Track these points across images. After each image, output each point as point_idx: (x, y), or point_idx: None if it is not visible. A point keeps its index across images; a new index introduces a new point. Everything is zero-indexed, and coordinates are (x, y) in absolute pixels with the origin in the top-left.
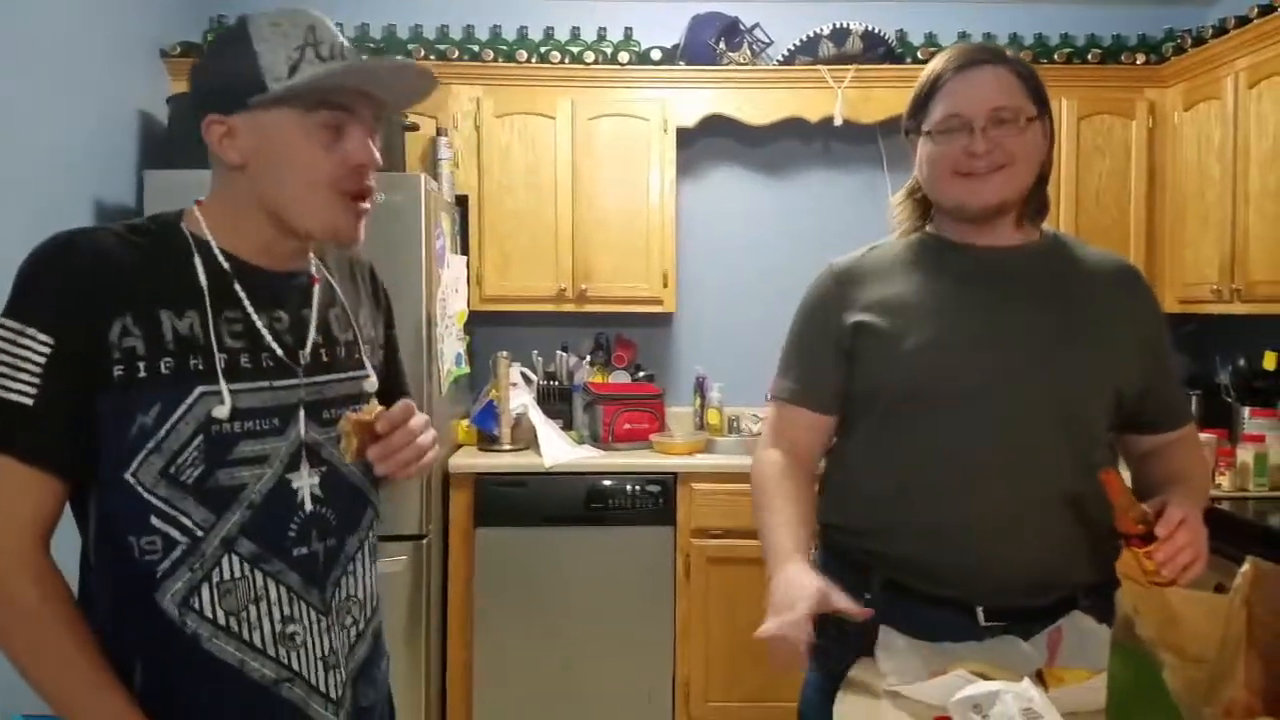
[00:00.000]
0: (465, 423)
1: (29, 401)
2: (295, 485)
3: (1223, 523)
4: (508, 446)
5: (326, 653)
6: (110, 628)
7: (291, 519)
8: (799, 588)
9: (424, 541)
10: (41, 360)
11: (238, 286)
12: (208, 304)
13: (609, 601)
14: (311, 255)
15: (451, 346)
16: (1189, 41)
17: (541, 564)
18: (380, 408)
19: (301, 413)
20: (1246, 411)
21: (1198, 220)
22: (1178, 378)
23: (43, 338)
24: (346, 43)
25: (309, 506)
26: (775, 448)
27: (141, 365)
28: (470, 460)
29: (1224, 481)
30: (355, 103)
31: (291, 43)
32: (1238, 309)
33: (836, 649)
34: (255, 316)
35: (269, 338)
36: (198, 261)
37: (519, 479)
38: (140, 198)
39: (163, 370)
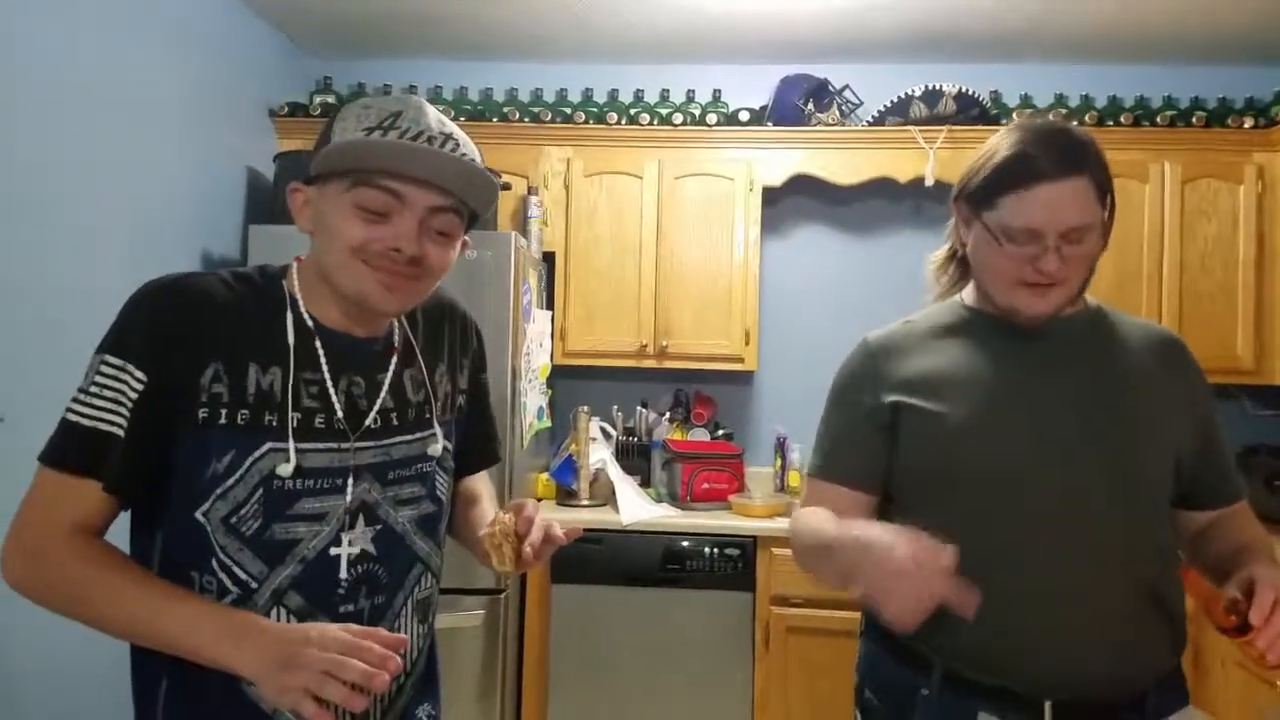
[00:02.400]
0: (544, 476)
1: (120, 433)
2: (344, 542)
3: None
4: (586, 502)
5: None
6: (185, 685)
7: (340, 575)
8: (927, 544)
9: (502, 596)
10: (135, 395)
11: (320, 350)
12: (292, 362)
13: (685, 667)
14: (395, 323)
15: (534, 400)
16: None
17: (617, 624)
18: (511, 516)
19: (367, 474)
20: None
21: None
22: (1229, 452)
23: (139, 374)
24: (433, 128)
25: (357, 566)
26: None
27: (223, 412)
28: (548, 515)
29: None
30: (404, 189)
31: (363, 123)
32: None
33: None
34: (329, 382)
35: (338, 405)
36: (289, 318)
37: (596, 536)
38: (245, 250)
39: (239, 421)
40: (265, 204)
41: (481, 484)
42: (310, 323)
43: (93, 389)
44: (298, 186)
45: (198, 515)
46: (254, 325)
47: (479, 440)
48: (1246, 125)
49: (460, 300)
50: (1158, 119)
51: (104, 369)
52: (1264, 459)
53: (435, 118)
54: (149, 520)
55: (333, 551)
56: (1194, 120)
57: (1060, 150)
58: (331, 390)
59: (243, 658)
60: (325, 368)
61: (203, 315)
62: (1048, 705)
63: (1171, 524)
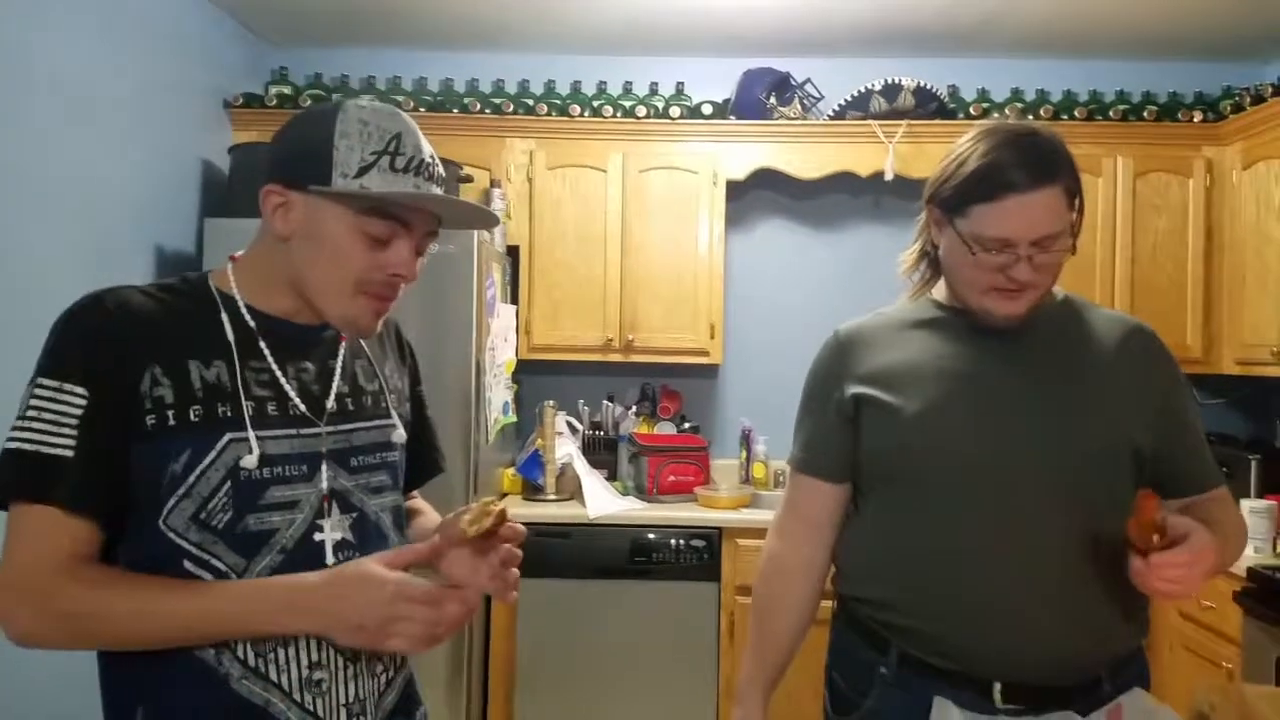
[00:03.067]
0: (510, 471)
1: (70, 454)
2: (326, 529)
3: None
4: (552, 496)
5: (351, 700)
6: (141, 667)
7: (327, 563)
8: None
9: None
10: (79, 413)
11: (262, 342)
12: (235, 354)
13: (652, 657)
14: None
15: (499, 395)
16: (1248, 99)
17: (584, 616)
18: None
19: (330, 460)
20: None
21: (1257, 281)
22: (1202, 440)
23: (79, 390)
24: (429, 156)
25: (340, 554)
26: (785, 532)
27: (171, 414)
28: (514, 510)
29: None
30: (411, 217)
31: (370, 146)
32: None
33: None
34: (278, 370)
35: (290, 391)
36: (224, 317)
37: (563, 529)
38: (200, 244)
39: (192, 418)
40: (220, 197)
41: (420, 500)
42: (251, 319)
43: (29, 413)
44: (278, 190)
45: (160, 525)
46: (187, 326)
47: (423, 451)
48: (1196, 120)
49: (423, 293)
50: (1111, 113)
51: (39, 392)
52: (1215, 447)
53: (422, 137)
54: (111, 541)
55: (316, 538)
56: (1146, 115)
57: (1031, 160)
58: (281, 376)
59: (317, 623)
60: (269, 355)
61: (133, 323)
62: (997, 687)
63: None
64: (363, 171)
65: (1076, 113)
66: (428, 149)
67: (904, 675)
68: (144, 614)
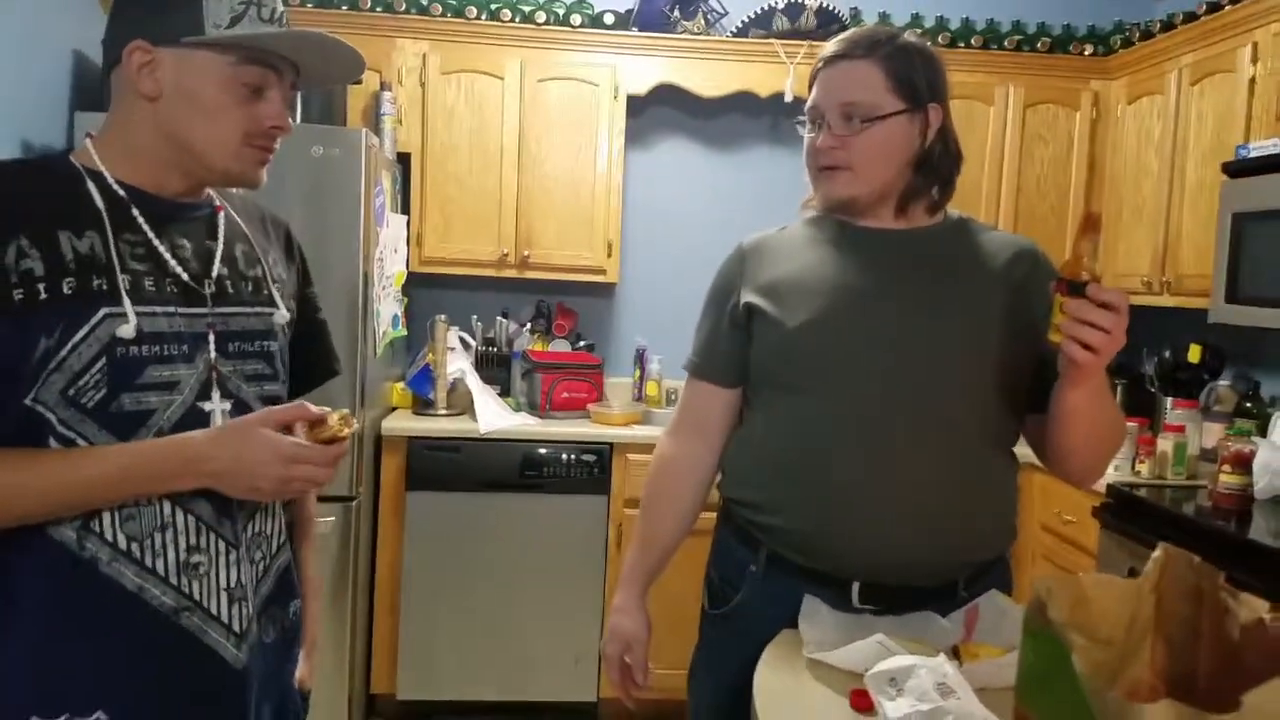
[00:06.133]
0: (400, 386)
1: None
2: (208, 411)
3: (1139, 510)
4: (443, 411)
5: (234, 584)
6: (1, 552)
7: None
8: (616, 637)
9: (354, 504)
10: None
11: (135, 211)
12: (107, 224)
13: (539, 568)
14: (212, 193)
15: (389, 307)
16: (1137, 35)
17: (473, 529)
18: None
19: (211, 340)
20: (1169, 402)
21: (1133, 212)
22: None
23: None
24: (283, 8)
25: None
26: (677, 433)
27: (42, 287)
28: (403, 424)
29: (1143, 470)
30: (281, 65)
31: None
32: (1166, 301)
33: (725, 623)
34: (156, 241)
35: (172, 262)
36: (91, 188)
37: (453, 444)
38: (71, 139)
39: (65, 290)
40: (93, 90)
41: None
42: (120, 190)
43: None
44: (144, 46)
45: (27, 401)
46: (52, 197)
47: (315, 355)
48: (1087, 53)
49: (307, 198)
50: (1005, 43)
51: None
52: None
53: None
54: None
55: (207, 410)
56: (1039, 46)
57: (849, 39)
58: (160, 246)
59: (209, 482)
60: (147, 228)
61: None
62: (855, 586)
63: (1029, 432)
64: (234, 22)
65: (972, 40)
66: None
67: (771, 573)
68: (12, 485)
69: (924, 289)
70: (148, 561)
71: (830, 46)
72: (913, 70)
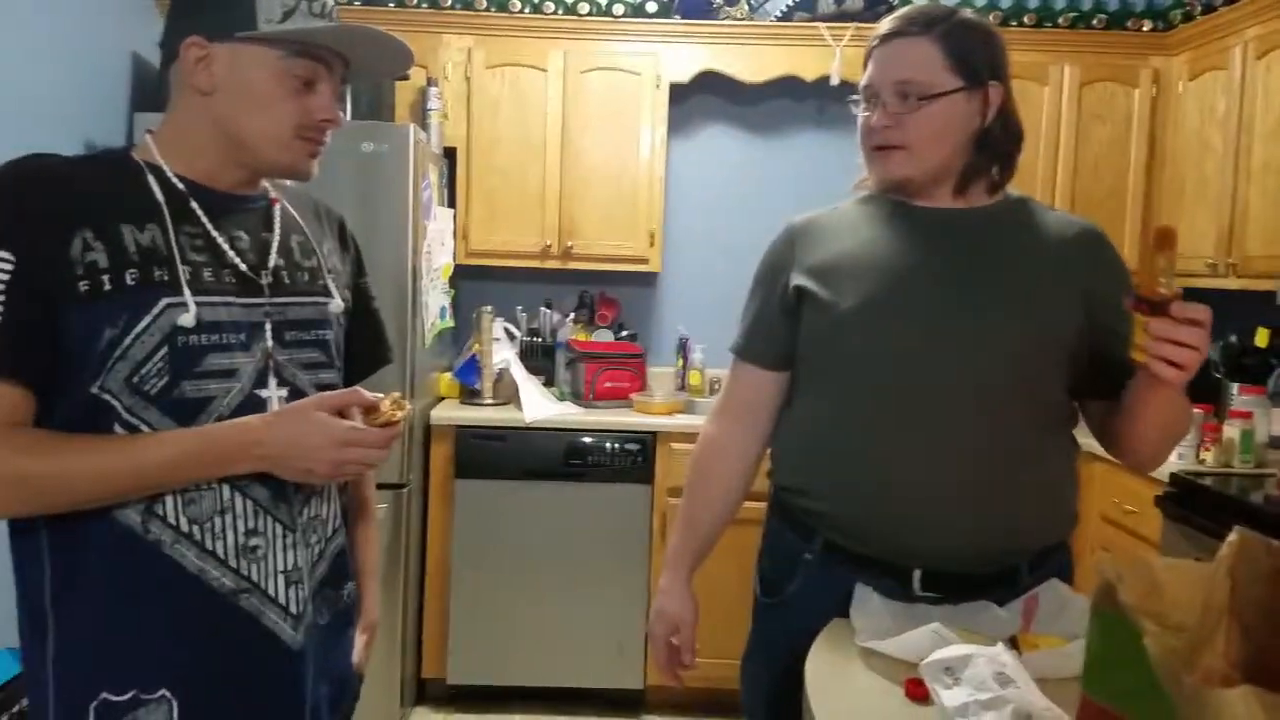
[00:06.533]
0: (448, 376)
1: None
2: (265, 398)
3: (1206, 498)
4: (489, 401)
5: (290, 567)
6: (68, 535)
7: None
8: (663, 619)
9: (404, 491)
10: (5, 279)
11: (194, 204)
12: (167, 217)
13: (584, 555)
14: (267, 185)
15: (436, 299)
16: (1198, 9)
17: (519, 517)
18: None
19: (268, 330)
20: (1235, 388)
21: (1196, 192)
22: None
23: (4, 255)
24: (333, 3)
25: None
26: (721, 416)
27: (106, 278)
28: (451, 413)
29: (1209, 457)
30: (331, 59)
31: None
32: (1232, 284)
33: (778, 612)
34: (215, 232)
35: (230, 253)
36: (152, 181)
37: (499, 433)
38: (130, 139)
39: (128, 281)
40: (151, 91)
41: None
42: (179, 184)
43: None
44: (200, 41)
45: (94, 390)
46: (115, 191)
47: (368, 343)
48: (1145, 29)
49: (356, 193)
50: (1059, 20)
51: None
52: None
53: None
54: (44, 405)
55: (264, 397)
56: (1094, 23)
57: (903, 16)
58: (219, 238)
59: (263, 465)
60: (205, 220)
61: (56, 187)
62: (916, 574)
63: (1086, 416)
64: (286, 16)
65: (1025, 19)
66: None
67: (827, 562)
68: (80, 472)
69: (982, 270)
70: (208, 544)
71: (885, 24)
72: (971, 47)
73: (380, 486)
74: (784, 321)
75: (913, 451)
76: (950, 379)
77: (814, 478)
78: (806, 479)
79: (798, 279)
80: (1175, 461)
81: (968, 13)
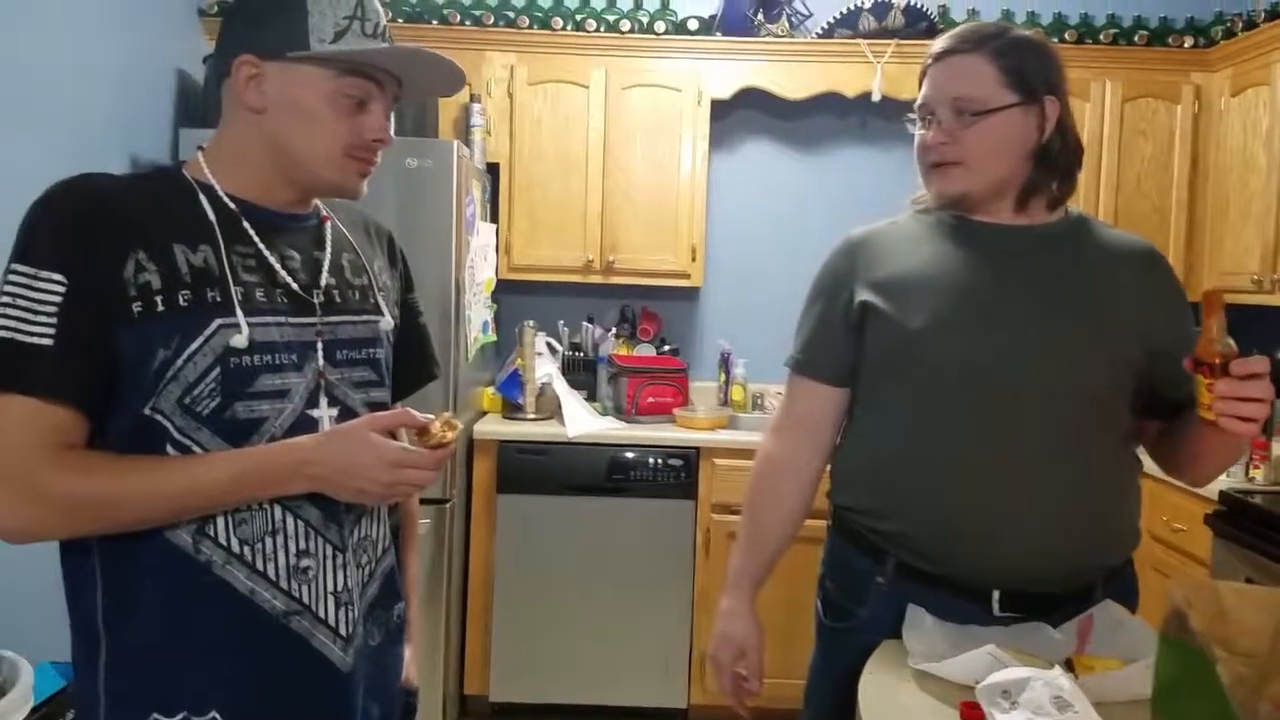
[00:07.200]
0: (490, 390)
1: (49, 342)
2: (316, 418)
3: (1255, 517)
4: (531, 415)
5: (340, 589)
6: (119, 555)
7: None
8: (728, 643)
9: (448, 505)
10: (58, 300)
11: (246, 224)
12: (220, 237)
13: (628, 571)
14: (319, 203)
15: (479, 314)
16: (1239, 25)
17: (562, 532)
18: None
19: (320, 349)
20: None
21: (1240, 208)
22: None
23: (56, 278)
24: (385, 22)
25: None
26: (781, 432)
27: (159, 299)
28: (494, 428)
29: (1258, 475)
30: (384, 78)
31: (341, 11)
32: (1277, 300)
33: (848, 637)
34: (267, 252)
35: (282, 273)
36: (204, 200)
37: (541, 447)
38: (175, 155)
39: (180, 303)
40: (196, 107)
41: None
42: (231, 203)
43: (3, 301)
44: (252, 60)
45: (146, 411)
46: (166, 211)
47: (416, 359)
48: (1186, 45)
49: (401, 208)
50: (1101, 37)
51: (13, 279)
52: None
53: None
54: (96, 426)
55: (315, 417)
56: (1136, 39)
57: (956, 35)
58: (271, 258)
59: (316, 486)
60: (258, 240)
61: (111, 208)
62: (995, 595)
63: (1141, 434)
64: (338, 37)
65: (1066, 35)
66: (382, 13)
67: (901, 584)
68: (134, 493)
69: (1049, 288)
70: (259, 565)
71: (939, 43)
72: (1025, 62)
73: (423, 502)
74: (847, 336)
75: (987, 470)
76: (1025, 396)
77: (886, 497)
78: (872, 498)
79: (863, 294)
80: (1224, 479)
81: (1022, 29)
